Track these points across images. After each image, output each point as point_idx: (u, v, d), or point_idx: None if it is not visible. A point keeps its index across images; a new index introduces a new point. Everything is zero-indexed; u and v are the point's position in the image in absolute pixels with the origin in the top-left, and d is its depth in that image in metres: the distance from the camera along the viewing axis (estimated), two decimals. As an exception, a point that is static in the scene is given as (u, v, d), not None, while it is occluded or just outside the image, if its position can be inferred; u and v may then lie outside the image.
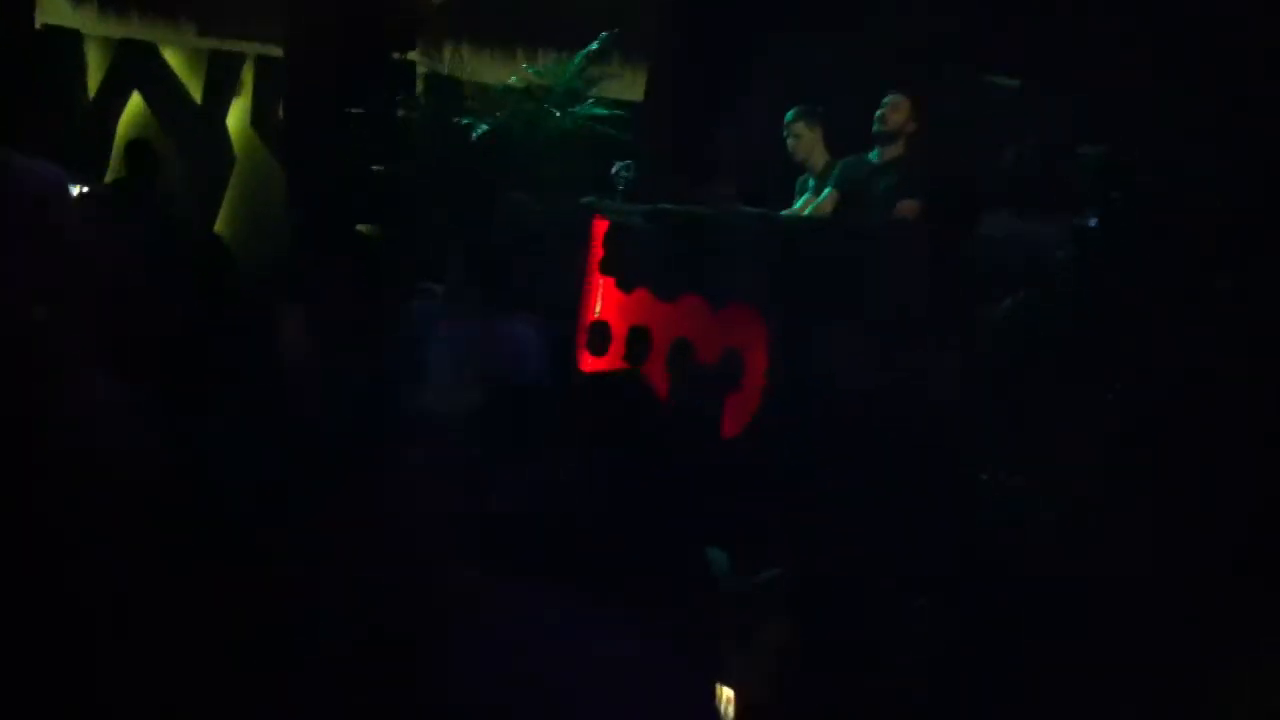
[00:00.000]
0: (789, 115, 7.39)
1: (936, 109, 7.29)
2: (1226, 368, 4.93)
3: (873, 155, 7.12)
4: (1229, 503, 4.56)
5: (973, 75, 7.40)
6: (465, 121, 8.63)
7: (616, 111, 8.44)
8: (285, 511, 2.15)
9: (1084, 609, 4.31)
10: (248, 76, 11.91)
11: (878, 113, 7.04)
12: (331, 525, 2.17)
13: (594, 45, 8.42)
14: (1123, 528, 4.62)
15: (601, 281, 7.09)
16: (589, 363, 6.97)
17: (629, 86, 9.29)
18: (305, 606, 2.07)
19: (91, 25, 11.79)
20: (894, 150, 7.04)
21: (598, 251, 7.10)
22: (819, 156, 7.36)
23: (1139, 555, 4.49)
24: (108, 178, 10.86)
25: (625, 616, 2.05)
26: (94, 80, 11.84)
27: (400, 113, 9.38)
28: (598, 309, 7.08)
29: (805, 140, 7.35)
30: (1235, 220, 5.32)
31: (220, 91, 11.92)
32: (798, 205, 7.46)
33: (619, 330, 6.91)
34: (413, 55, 9.79)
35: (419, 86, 9.79)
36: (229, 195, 11.90)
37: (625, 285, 6.94)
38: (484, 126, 8.34)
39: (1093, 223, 6.03)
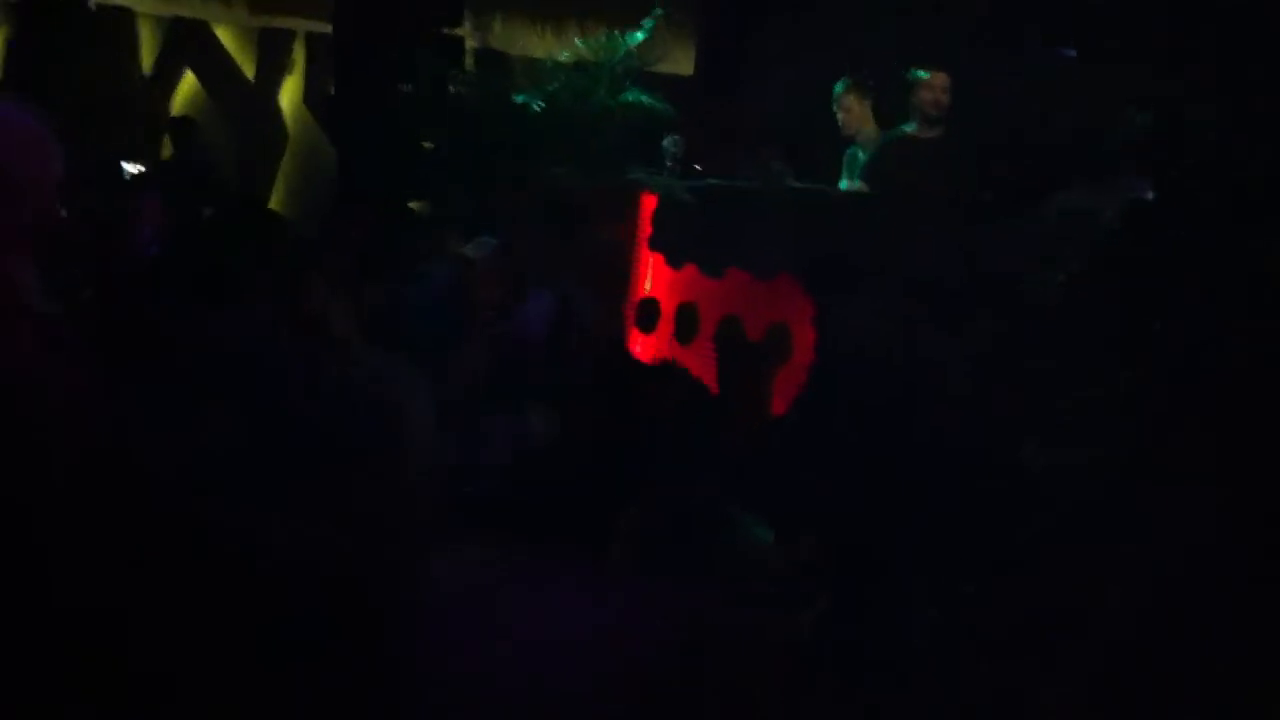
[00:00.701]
0: (838, 87, 7.29)
1: (989, 83, 7.20)
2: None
3: (909, 127, 7.00)
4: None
5: (1026, 47, 7.30)
6: (520, 99, 8.58)
7: (659, 104, 8.35)
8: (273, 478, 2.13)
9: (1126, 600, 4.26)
10: (299, 54, 11.95)
11: (926, 95, 6.88)
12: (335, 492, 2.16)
13: (647, 23, 8.33)
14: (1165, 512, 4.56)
15: (650, 258, 7.06)
16: (638, 340, 6.96)
17: (678, 62, 9.24)
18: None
19: (144, 4, 11.85)
20: (937, 130, 6.93)
21: (646, 228, 7.07)
22: (869, 130, 7.26)
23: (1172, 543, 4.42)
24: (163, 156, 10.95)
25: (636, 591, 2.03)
26: (147, 60, 11.90)
27: (450, 89, 9.35)
28: (647, 285, 7.06)
29: (855, 113, 7.25)
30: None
31: (272, 69, 11.96)
32: (845, 182, 7.40)
33: (668, 307, 6.89)
34: (461, 30, 9.76)
35: (469, 62, 9.76)
36: (282, 173, 11.95)
37: (674, 261, 6.91)
38: (538, 104, 8.30)
39: (1145, 194, 5.95)
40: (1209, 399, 4.85)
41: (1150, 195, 5.97)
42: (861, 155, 7.26)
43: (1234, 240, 5.19)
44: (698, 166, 7.57)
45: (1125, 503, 4.62)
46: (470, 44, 9.83)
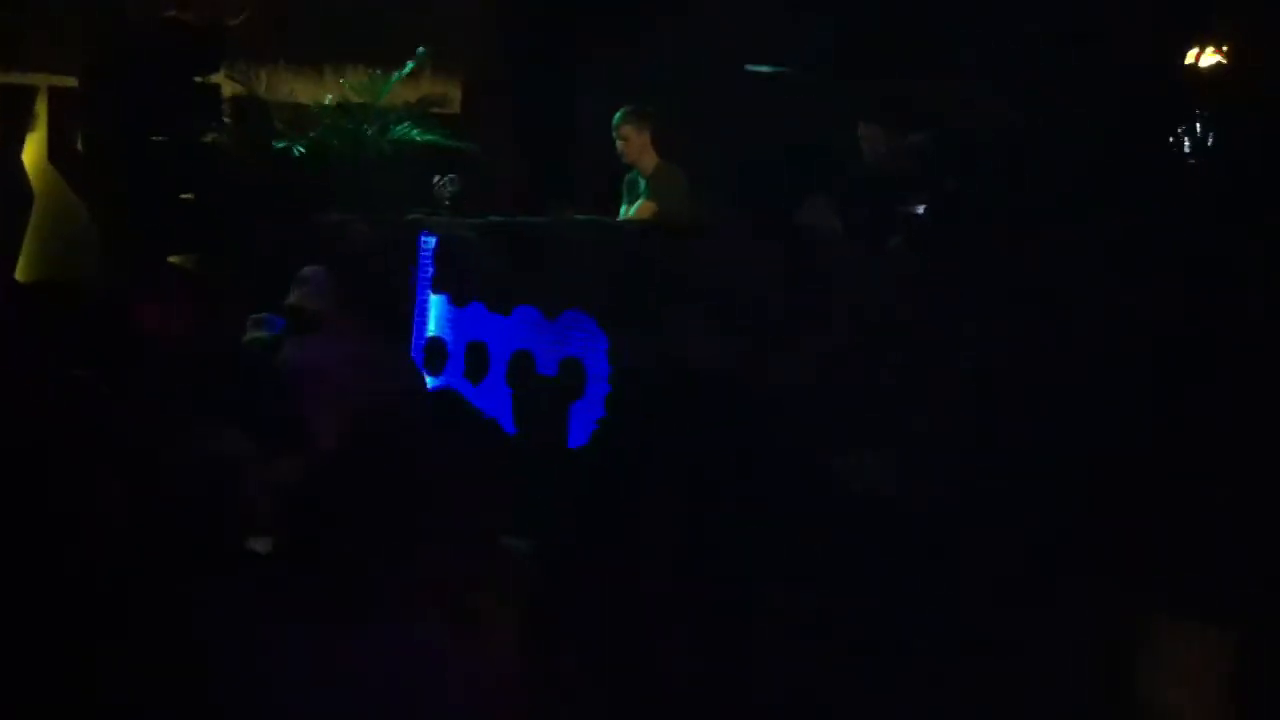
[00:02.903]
0: (616, 117, 7.30)
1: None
2: (1070, 344, 5.00)
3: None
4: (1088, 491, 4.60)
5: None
6: (281, 145, 8.39)
7: (436, 135, 8.26)
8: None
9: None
10: (41, 109, 11.43)
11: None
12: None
13: (410, 63, 8.26)
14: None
15: (433, 298, 6.95)
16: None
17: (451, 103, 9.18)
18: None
19: None
20: None
21: (428, 268, 6.96)
22: (648, 159, 7.27)
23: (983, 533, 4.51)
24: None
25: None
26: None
27: (208, 137, 9.09)
28: (431, 326, 6.94)
29: (634, 143, 7.26)
30: (1062, 201, 5.42)
31: (13, 127, 11.42)
32: (626, 209, 7.41)
33: (455, 346, 6.79)
34: (217, 78, 9.50)
35: (226, 109, 9.49)
36: (30, 235, 11.41)
37: (458, 300, 6.81)
38: (300, 147, 8.11)
39: (923, 210, 6.12)
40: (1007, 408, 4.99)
41: (921, 211, 6.15)
42: (642, 183, 7.28)
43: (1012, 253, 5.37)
44: (469, 204, 7.48)
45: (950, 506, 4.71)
46: (232, 91, 9.56)
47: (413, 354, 6.86)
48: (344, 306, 5.35)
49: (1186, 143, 5.27)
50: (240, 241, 8.27)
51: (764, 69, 7.60)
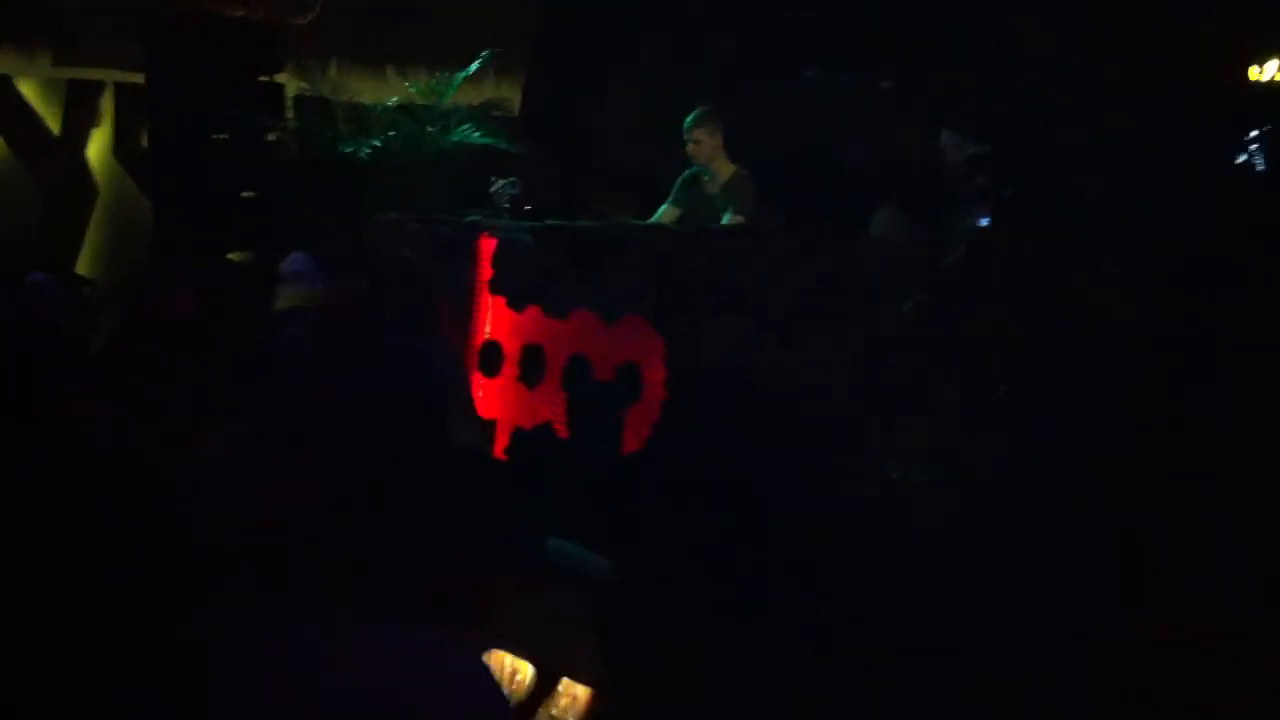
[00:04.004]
0: (688, 120, 7.17)
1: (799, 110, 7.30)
2: (1111, 360, 4.96)
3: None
4: (1114, 499, 4.56)
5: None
6: (348, 149, 8.39)
7: (497, 142, 8.26)
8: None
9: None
10: (108, 105, 11.54)
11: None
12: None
13: (474, 65, 8.25)
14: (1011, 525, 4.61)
15: (491, 301, 6.94)
16: (481, 384, 6.83)
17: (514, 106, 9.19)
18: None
19: (-61, 60, 11.35)
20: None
21: (486, 270, 6.95)
22: (722, 164, 7.15)
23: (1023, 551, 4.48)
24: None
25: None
26: (-56, 117, 11.38)
27: (271, 136, 9.14)
28: (488, 329, 6.92)
29: (706, 146, 7.13)
30: (1119, 212, 5.37)
31: (80, 122, 11.53)
32: (678, 207, 7.33)
33: (511, 350, 6.77)
34: (281, 77, 9.55)
35: (290, 109, 9.54)
36: (92, 229, 11.52)
37: (516, 303, 6.80)
38: (367, 149, 8.12)
39: (983, 221, 6.06)
40: (1055, 420, 4.94)
41: (985, 222, 6.09)
42: (715, 191, 7.16)
43: (1068, 264, 5.32)
44: (528, 207, 7.47)
45: (979, 515, 4.68)
46: (297, 89, 9.61)
47: (460, 356, 6.85)
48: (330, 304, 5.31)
49: (1260, 159, 5.19)
50: (297, 240, 8.30)
51: (815, 75, 7.54)
